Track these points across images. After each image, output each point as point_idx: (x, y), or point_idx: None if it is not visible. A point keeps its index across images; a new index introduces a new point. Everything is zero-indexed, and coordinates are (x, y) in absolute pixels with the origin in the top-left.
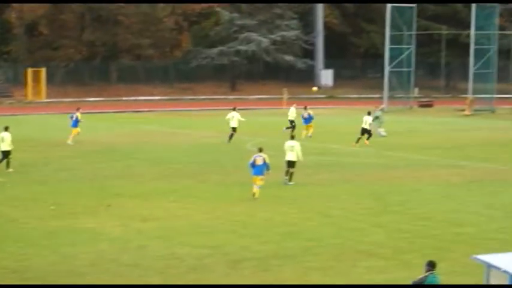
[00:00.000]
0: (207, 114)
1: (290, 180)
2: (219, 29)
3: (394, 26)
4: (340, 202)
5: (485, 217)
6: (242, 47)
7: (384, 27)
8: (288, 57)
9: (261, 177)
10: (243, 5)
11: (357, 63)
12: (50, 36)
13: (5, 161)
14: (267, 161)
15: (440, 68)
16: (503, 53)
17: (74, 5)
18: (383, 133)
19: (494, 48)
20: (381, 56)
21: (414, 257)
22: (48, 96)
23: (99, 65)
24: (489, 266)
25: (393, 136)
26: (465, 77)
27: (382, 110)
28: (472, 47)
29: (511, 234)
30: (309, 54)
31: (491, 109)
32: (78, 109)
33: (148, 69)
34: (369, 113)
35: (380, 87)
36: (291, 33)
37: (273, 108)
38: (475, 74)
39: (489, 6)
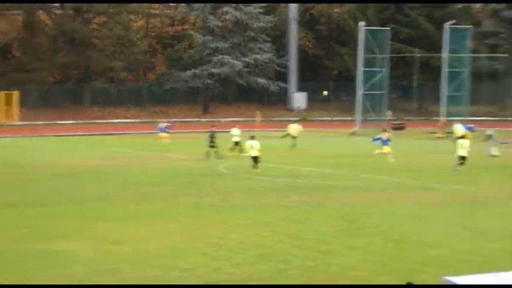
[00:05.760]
0: (180, 137)
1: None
2: (192, 52)
3: (367, 49)
4: (311, 224)
5: (458, 239)
6: (215, 70)
7: (356, 49)
8: (261, 80)
9: None
10: (216, 28)
11: (329, 85)
12: (23, 59)
13: None
14: None
15: (412, 90)
16: (476, 75)
17: (47, 28)
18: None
19: (466, 71)
20: (354, 79)
21: (388, 279)
22: (21, 119)
23: (73, 88)
24: None
25: (366, 158)
26: (438, 100)
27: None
28: (445, 70)
29: (483, 256)
30: (282, 77)
31: None
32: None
33: (122, 91)
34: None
35: (353, 110)
36: (264, 56)
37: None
38: (447, 97)
39: (461, 29)
